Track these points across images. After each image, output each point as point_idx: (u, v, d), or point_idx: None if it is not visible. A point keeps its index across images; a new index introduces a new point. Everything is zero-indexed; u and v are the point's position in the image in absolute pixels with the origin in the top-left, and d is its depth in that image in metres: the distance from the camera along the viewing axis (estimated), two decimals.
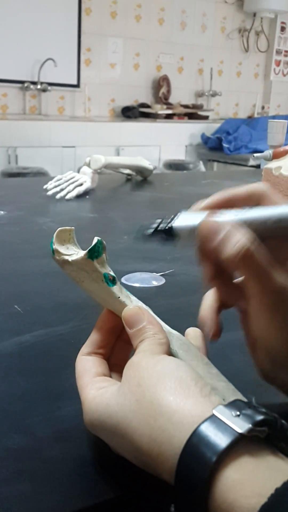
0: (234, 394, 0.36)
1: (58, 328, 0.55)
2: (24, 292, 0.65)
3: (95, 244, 0.38)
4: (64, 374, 0.46)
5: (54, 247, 0.40)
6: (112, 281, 0.39)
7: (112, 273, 0.39)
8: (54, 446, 0.37)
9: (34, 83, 3.82)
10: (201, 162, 3.57)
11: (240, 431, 0.27)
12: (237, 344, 0.54)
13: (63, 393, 0.43)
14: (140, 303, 0.40)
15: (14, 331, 0.54)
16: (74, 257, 0.39)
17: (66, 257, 0.39)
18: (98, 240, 0.39)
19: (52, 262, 0.77)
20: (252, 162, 3.58)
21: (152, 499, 0.35)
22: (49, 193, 1.19)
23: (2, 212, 1.03)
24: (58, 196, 1.18)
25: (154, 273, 0.72)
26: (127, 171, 1.46)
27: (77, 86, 4.05)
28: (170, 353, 0.37)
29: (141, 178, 1.46)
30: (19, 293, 0.65)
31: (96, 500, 0.33)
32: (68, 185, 1.22)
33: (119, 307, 0.39)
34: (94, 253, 0.38)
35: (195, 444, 0.28)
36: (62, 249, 0.40)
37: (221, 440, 0.27)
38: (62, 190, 1.20)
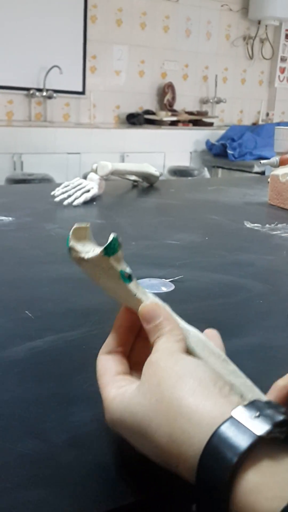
0: (252, 391, 0.36)
1: (69, 333, 0.55)
2: (34, 298, 0.65)
3: (111, 241, 0.38)
4: (76, 380, 0.47)
5: (70, 244, 0.40)
6: (129, 277, 0.39)
7: (128, 269, 0.39)
8: (68, 451, 0.37)
9: (39, 90, 3.84)
10: (205, 169, 3.58)
11: (259, 433, 0.28)
12: (248, 351, 0.55)
13: (76, 399, 0.44)
14: (157, 299, 0.40)
15: (25, 337, 0.54)
16: (90, 255, 0.39)
17: (82, 255, 0.39)
18: (114, 237, 0.38)
19: (62, 267, 0.78)
20: (256, 168, 3.58)
21: (168, 504, 0.35)
22: (57, 199, 1.19)
23: (10, 218, 1.04)
24: (65, 202, 1.18)
25: (164, 279, 0.72)
26: (134, 177, 1.46)
27: (83, 93, 4.07)
28: (187, 350, 0.37)
29: (147, 184, 1.46)
30: (30, 299, 0.65)
31: (111, 505, 0.33)
32: (76, 191, 1.22)
33: (136, 303, 0.39)
34: (110, 250, 0.38)
35: (215, 445, 0.28)
36: (78, 246, 0.40)
37: (241, 442, 0.27)
38: (69, 196, 1.20)
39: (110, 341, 0.41)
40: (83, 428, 0.40)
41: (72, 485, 0.34)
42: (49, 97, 3.89)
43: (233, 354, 0.52)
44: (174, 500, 0.35)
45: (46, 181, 2.92)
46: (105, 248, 0.38)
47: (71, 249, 0.40)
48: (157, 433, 0.31)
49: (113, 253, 0.38)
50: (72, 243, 0.40)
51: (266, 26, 4.89)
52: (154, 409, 0.32)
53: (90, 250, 0.39)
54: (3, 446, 0.37)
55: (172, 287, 0.70)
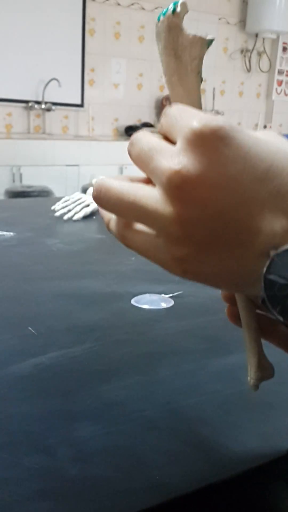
0: None
1: (72, 350, 0.57)
2: (37, 314, 0.67)
3: (212, 40, 0.36)
4: (80, 396, 0.48)
5: (176, 7, 0.35)
6: (201, 80, 0.37)
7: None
8: (73, 465, 0.39)
9: (38, 102, 3.87)
10: None
11: None
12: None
13: (80, 414, 0.45)
14: None
15: (29, 353, 0.56)
16: (192, 33, 0.35)
17: (182, 26, 0.35)
18: (213, 38, 0.36)
19: (64, 283, 0.79)
20: None
21: None
22: (57, 214, 1.21)
23: (11, 233, 1.06)
24: (65, 217, 1.20)
25: (163, 295, 0.74)
26: None
27: (81, 105, 4.10)
28: None
29: None
30: (32, 315, 0.66)
31: None
32: (76, 206, 1.24)
33: (197, 102, 0.37)
34: (211, 43, 0.36)
35: None
36: (180, 18, 0.35)
37: None
38: (69, 211, 1.22)
39: None
40: (87, 443, 0.41)
41: (78, 498, 0.36)
42: (48, 110, 3.92)
43: (232, 369, 0.54)
44: (175, 510, 0.37)
45: (45, 193, 2.95)
46: (209, 40, 0.36)
47: (174, 13, 0.35)
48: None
49: (208, 45, 0.36)
50: (180, 10, 0.35)
51: (263, 39, 4.94)
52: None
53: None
54: (10, 460, 0.39)
55: (172, 302, 0.72)
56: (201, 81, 0.36)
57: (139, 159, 0.31)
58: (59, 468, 0.38)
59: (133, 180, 0.32)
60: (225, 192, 0.27)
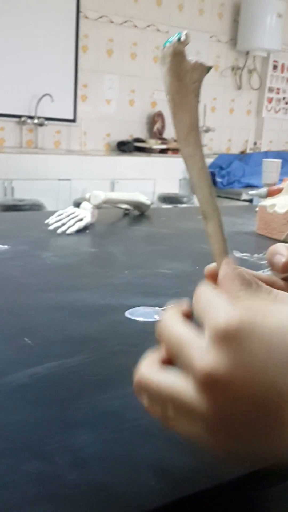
0: None
1: (68, 360, 0.58)
2: (33, 325, 0.68)
3: (211, 67, 0.40)
4: (77, 404, 0.49)
5: (181, 36, 0.39)
6: (199, 101, 0.41)
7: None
8: (71, 471, 0.40)
9: (31, 117, 3.91)
10: (195, 196, 3.64)
11: None
12: None
13: (77, 422, 0.46)
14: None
15: (26, 363, 0.57)
16: (194, 59, 0.39)
17: (185, 53, 0.39)
18: (212, 66, 0.40)
19: (59, 296, 0.81)
20: (245, 196, 3.65)
21: None
22: (51, 227, 1.23)
23: (6, 246, 1.07)
24: (59, 230, 1.21)
25: (157, 308, 0.75)
26: (125, 206, 1.50)
27: (73, 121, 4.14)
28: None
29: (138, 213, 1.50)
30: (28, 326, 0.68)
31: None
32: (69, 220, 1.26)
33: (195, 120, 0.40)
34: (209, 70, 0.40)
35: None
36: (184, 46, 0.39)
37: None
38: (63, 224, 1.24)
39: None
40: (84, 450, 0.42)
41: (75, 502, 0.37)
42: (41, 125, 3.95)
43: None
44: None
45: (37, 207, 2.96)
46: (208, 67, 0.40)
47: (179, 40, 0.39)
48: None
49: (208, 71, 0.40)
50: (184, 39, 0.39)
51: (254, 57, 5.02)
52: None
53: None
54: (10, 466, 0.40)
55: None
56: (199, 102, 0.40)
57: (168, 347, 0.34)
58: (57, 473, 0.39)
59: (164, 359, 0.35)
60: (253, 385, 0.30)
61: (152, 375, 0.34)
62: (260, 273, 0.40)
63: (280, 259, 0.40)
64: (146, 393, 0.34)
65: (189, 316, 0.36)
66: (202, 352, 0.31)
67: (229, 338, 0.30)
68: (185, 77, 0.39)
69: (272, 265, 0.41)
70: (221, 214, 0.41)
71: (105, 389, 0.52)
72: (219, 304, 0.32)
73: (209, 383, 0.30)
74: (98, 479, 0.39)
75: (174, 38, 0.38)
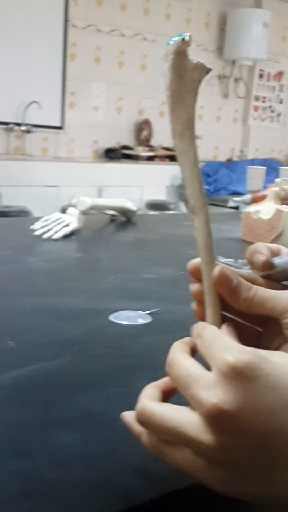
0: None
1: (52, 363, 0.59)
2: (17, 329, 0.68)
3: (211, 69, 0.42)
4: (59, 406, 0.50)
5: (185, 36, 0.40)
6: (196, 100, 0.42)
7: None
8: (53, 469, 0.40)
9: (18, 124, 3.91)
10: (182, 203, 3.66)
11: None
12: None
13: (60, 423, 0.47)
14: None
15: (10, 366, 0.57)
16: (196, 59, 0.41)
17: (188, 52, 0.40)
18: (211, 68, 0.42)
19: (43, 300, 0.81)
20: (231, 203, 3.68)
21: None
22: (37, 233, 1.23)
23: None
24: (45, 236, 1.22)
25: (141, 312, 0.76)
26: (112, 212, 1.51)
27: (61, 128, 4.14)
28: None
29: (125, 219, 1.51)
30: (13, 330, 0.68)
31: None
32: (55, 225, 1.26)
33: (192, 118, 0.42)
34: (208, 72, 0.42)
35: None
36: (187, 46, 0.41)
37: None
38: (49, 230, 1.24)
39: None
40: (66, 450, 0.43)
41: (57, 499, 0.37)
42: (28, 132, 3.95)
43: None
44: (151, 511, 0.38)
45: (24, 214, 2.96)
46: (208, 68, 0.41)
47: (183, 40, 0.40)
48: None
49: (208, 72, 0.42)
50: (187, 39, 0.40)
51: (240, 66, 5.07)
52: None
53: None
54: None
55: (150, 319, 0.74)
56: (196, 101, 0.42)
57: (177, 382, 0.35)
58: (39, 472, 0.40)
59: (167, 389, 0.38)
60: (260, 421, 0.31)
61: (156, 406, 0.35)
62: (241, 270, 0.41)
63: (260, 258, 0.41)
64: (149, 425, 0.35)
65: (195, 351, 0.37)
66: (211, 386, 0.32)
67: (238, 375, 0.31)
68: (185, 75, 0.41)
69: (251, 264, 0.42)
70: (209, 210, 0.42)
71: (88, 391, 0.53)
72: (227, 342, 0.34)
73: (216, 416, 0.31)
74: (79, 478, 0.40)
75: (178, 38, 0.40)
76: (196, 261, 0.41)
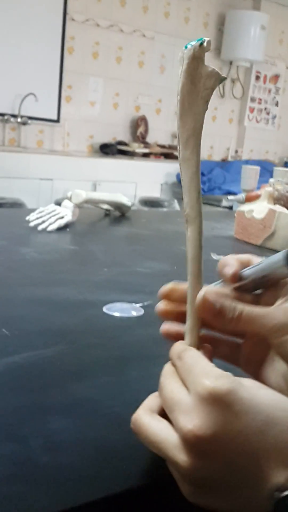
0: None
1: (45, 351, 0.59)
2: (11, 317, 0.69)
3: (225, 78, 0.41)
4: (52, 392, 0.50)
5: (203, 42, 0.40)
6: (207, 107, 0.42)
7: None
8: (45, 454, 0.41)
9: (14, 116, 3.89)
10: (176, 201, 3.66)
11: None
12: None
13: (52, 409, 0.47)
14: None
15: (3, 353, 0.58)
16: (211, 67, 0.40)
17: (204, 59, 0.40)
18: (226, 77, 0.42)
19: (37, 289, 0.81)
20: (225, 203, 3.69)
21: (134, 499, 0.39)
22: (31, 224, 1.23)
23: None
24: (40, 227, 1.22)
25: (134, 304, 0.76)
26: (106, 206, 1.51)
27: (57, 121, 4.14)
28: None
29: (119, 213, 1.52)
30: (7, 318, 0.68)
31: (83, 500, 0.37)
32: (50, 217, 1.26)
33: (199, 125, 0.41)
34: (223, 80, 0.41)
35: None
36: (204, 52, 0.40)
37: None
38: (44, 222, 1.24)
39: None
40: (58, 434, 0.43)
41: (48, 482, 0.38)
42: (24, 124, 3.94)
43: None
44: (139, 496, 0.39)
45: (18, 206, 2.95)
46: (222, 78, 0.41)
47: (201, 46, 0.40)
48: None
49: (222, 81, 0.41)
50: (206, 46, 0.40)
51: (237, 67, 5.09)
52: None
53: None
54: None
55: (142, 311, 0.74)
56: (207, 109, 0.41)
57: (164, 405, 0.38)
58: (31, 456, 0.40)
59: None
60: (233, 445, 0.33)
61: (146, 418, 0.38)
62: (226, 290, 0.42)
63: (228, 271, 0.42)
64: (137, 434, 0.38)
65: None
66: (188, 411, 0.34)
67: (214, 400, 0.33)
68: (199, 82, 0.40)
69: (223, 277, 0.43)
70: (203, 221, 0.42)
71: (80, 379, 0.53)
72: (205, 367, 0.36)
73: (191, 441, 0.33)
74: (70, 462, 0.40)
75: (196, 42, 0.40)
76: (168, 287, 0.44)
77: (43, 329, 0.65)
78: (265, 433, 0.33)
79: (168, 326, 0.45)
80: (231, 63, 5.01)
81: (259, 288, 0.42)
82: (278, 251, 0.42)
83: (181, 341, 0.42)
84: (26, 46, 3.86)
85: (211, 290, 0.41)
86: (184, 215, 0.43)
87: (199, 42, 0.39)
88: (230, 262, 0.43)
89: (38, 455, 0.41)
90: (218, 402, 0.33)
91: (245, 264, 0.43)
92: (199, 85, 0.40)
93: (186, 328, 0.42)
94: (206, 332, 0.43)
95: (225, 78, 0.41)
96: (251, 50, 4.78)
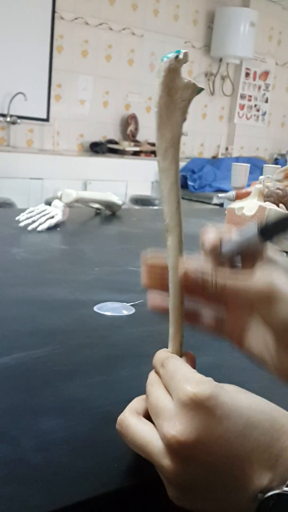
0: None
1: (36, 351, 0.59)
2: (1, 318, 0.69)
3: (203, 89, 0.42)
4: (43, 393, 0.50)
5: (179, 54, 0.40)
6: (185, 119, 0.42)
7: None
8: (37, 454, 0.41)
9: (3, 115, 3.88)
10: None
11: None
12: (203, 369, 0.59)
13: (43, 409, 0.47)
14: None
15: None
16: (187, 78, 0.41)
17: (180, 71, 0.40)
18: (203, 88, 0.42)
19: (28, 290, 0.81)
20: (215, 200, 3.69)
21: (124, 498, 0.39)
22: (21, 224, 1.23)
23: None
24: (30, 227, 1.22)
25: (125, 303, 0.76)
26: (97, 205, 1.51)
27: (47, 120, 4.12)
28: None
29: (110, 212, 1.52)
30: None
31: (75, 499, 0.37)
32: (40, 217, 1.26)
33: (176, 137, 0.42)
34: (200, 91, 0.41)
35: None
36: (180, 64, 0.40)
37: None
38: (34, 222, 1.24)
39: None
40: (50, 435, 0.43)
41: (41, 482, 0.38)
42: (13, 123, 3.92)
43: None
44: (132, 494, 0.39)
45: (8, 205, 2.94)
46: (199, 88, 0.41)
47: (176, 58, 0.40)
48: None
49: (199, 92, 0.42)
50: (182, 58, 0.40)
51: (227, 64, 5.09)
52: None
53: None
54: None
55: (133, 310, 0.75)
56: (184, 120, 0.42)
57: (150, 411, 0.38)
58: (23, 456, 0.41)
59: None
60: (216, 449, 0.33)
61: (133, 420, 0.39)
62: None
63: (209, 244, 0.42)
64: (123, 436, 0.39)
65: None
66: (171, 418, 0.35)
67: (196, 406, 0.34)
68: (176, 93, 0.41)
69: (203, 249, 0.43)
70: (183, 231, 0.43)
71: (71, 378, 0.53)
72: (187, 373, 0.37)
73: (174, 446, 0.34)
74: (62, 461, 0.40)
75: (172, 55, 0.40)
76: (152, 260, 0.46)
77: (33, 329, 0.66)
78: (246, 436, 0.34)
79: (153, 301, 0.46)
80: (220, 60, 5.01)
81: (237, 260, 0.43)
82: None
83: (164, 349, 0.43)
84: (14, 45, 3.84)
85: (192, 267, 0.41)
86: (164, 225, 0.43)
87: (175, 54, 0.40)
88: (210, 235, 0.43)
89: (30, 455, 0.41)
90: (199, 407, 0.34)
91: (225, 235, 0.43)
92: (176, 96, 0.41)
93: (169, 335, 0.43)
94: (191, 307, 0.44)
95: (202, 89, 0.42)
96: (240, 47, 4.78)
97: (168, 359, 0.40)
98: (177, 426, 0.34)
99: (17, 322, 0.68)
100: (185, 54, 0.40)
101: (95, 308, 0.74)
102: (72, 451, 0.42)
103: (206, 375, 0.47)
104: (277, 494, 0.32)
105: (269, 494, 0.33)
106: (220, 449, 0.33)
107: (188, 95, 0.41)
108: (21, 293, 0.79)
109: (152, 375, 0.41)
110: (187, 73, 4.78)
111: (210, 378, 0.36)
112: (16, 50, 3.85)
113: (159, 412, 0.36)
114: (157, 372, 0.41)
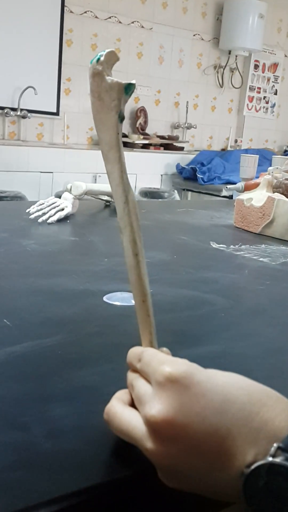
0: None
1: (46, 340, 0.60)
2: (12, 308, 0.69)
3: (133, 84, 0.41)
4: (53, 381, 0.51)
5: (101, 56, 0.41)
6: (122, 119, 0.42)
7: (123, 114, 0.42)
8: (47, 440, 0.41)
9: (14, 109, 3.89)
10: (175, 191, 3.66)
11: None
12: (210, 357, 0.60)
13: (53, 397, 0.48)
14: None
15: (5, 343, 0.58)
16: (111, 79, 0.41)
17: (104, 73, 0.41)
18: (134, 82, 0.42)
19: (38, 280, 0.82)
20: (224, 192, 3.68)
21: (135, 484, 0.40)
22: (32, 216, 1.24)
23: None
24: (40, 219, 1.22)
25: None
26: (106, 197, 1.51)
27: (56, 114, 4.13)
28: None
29: None
30: (8, 309, 0.69)
31: (84, 484, 0.37)
32: (50, 209, 1.27)
33: (114, 138, 0.42)
34: (130, 87, 0.41)
35: None
36: (103, 66, 0.41)
37: None
38: (44, 214, 1.25)
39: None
40: (59, 422, 0.44)
41: (50, 468, 0.38)
42: (23, 117, 3.93)
43: (197, 359, 0.57)
44: (141, 480, 0.40)
45: (18, 199, 2.95)
46: (128, 84, 0.41)
47: (99, 60, 0.41)
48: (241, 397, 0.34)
49: (128, 93, 0.41)
50: (104, 58, 0.41)
51: (236, 56, 5.06)
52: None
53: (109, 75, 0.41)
54: None
55: None
56: (122, 120, 0.42)
57: (134, 400, 0.39)
58: (33, 443, 0.41)
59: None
60: (194, 427, 0.34)
61: (119, 408, 0.40)
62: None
63: None
64: (109, 423, 0.40)
65: None
66: (150, 400, 0.36)
67: (173, 384, 0.35)
68: (105, 96, 0.41)
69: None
70: (135, 232, 0.44)
71: (81, 366, 0.54)
72: (163, 357, 0.38)
73: (154, 426, 0.35)
74: (71, 448, 0.41)
75: (94, 59, 0.40)
76: None
77: (43, 319, 0.66)
78: (224, 413, 0.34)
79: None
80: (229, 52, 4.98)
81: None
82: (277, 239, 0.42)
83: (137, 346, 0.44)
84: (24, 39, 3.85)
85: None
86: (118, 227, 0.44)
87: (97, 57, 0.40)
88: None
89: (39, 442, 0.41)
90: (175, 385, 0.35)
91: None
92: (105, 98, 0.41)
93: (140, 333, 0.45)
94: None
95: (131, 84, 0.41)
96: (249, 39, 4.75)
97: (143, 353, 0.41)
98: (155, 406, 0.35)
99: (28, 312, 0.68)
100: (108, 54, 0.40)
101: (105, 298, 0.74)
102: (81, 438, 0.42)
103: (214, 363, 0.47)
104: (262, 465, 0.32)
105: (253, 467, 0.32)
106: (199, 427, 0.34)
107: (116, 95, 0.41)
108: (31, 283, 0.79)
109: (129, 373, 0.42)
110: (196, 66, 4.78)
111: (185, 359, 0.37)
112: (26, 44, 3.86)
113: (141, 398, 0.37)
114: (134, 370, 0.42)
